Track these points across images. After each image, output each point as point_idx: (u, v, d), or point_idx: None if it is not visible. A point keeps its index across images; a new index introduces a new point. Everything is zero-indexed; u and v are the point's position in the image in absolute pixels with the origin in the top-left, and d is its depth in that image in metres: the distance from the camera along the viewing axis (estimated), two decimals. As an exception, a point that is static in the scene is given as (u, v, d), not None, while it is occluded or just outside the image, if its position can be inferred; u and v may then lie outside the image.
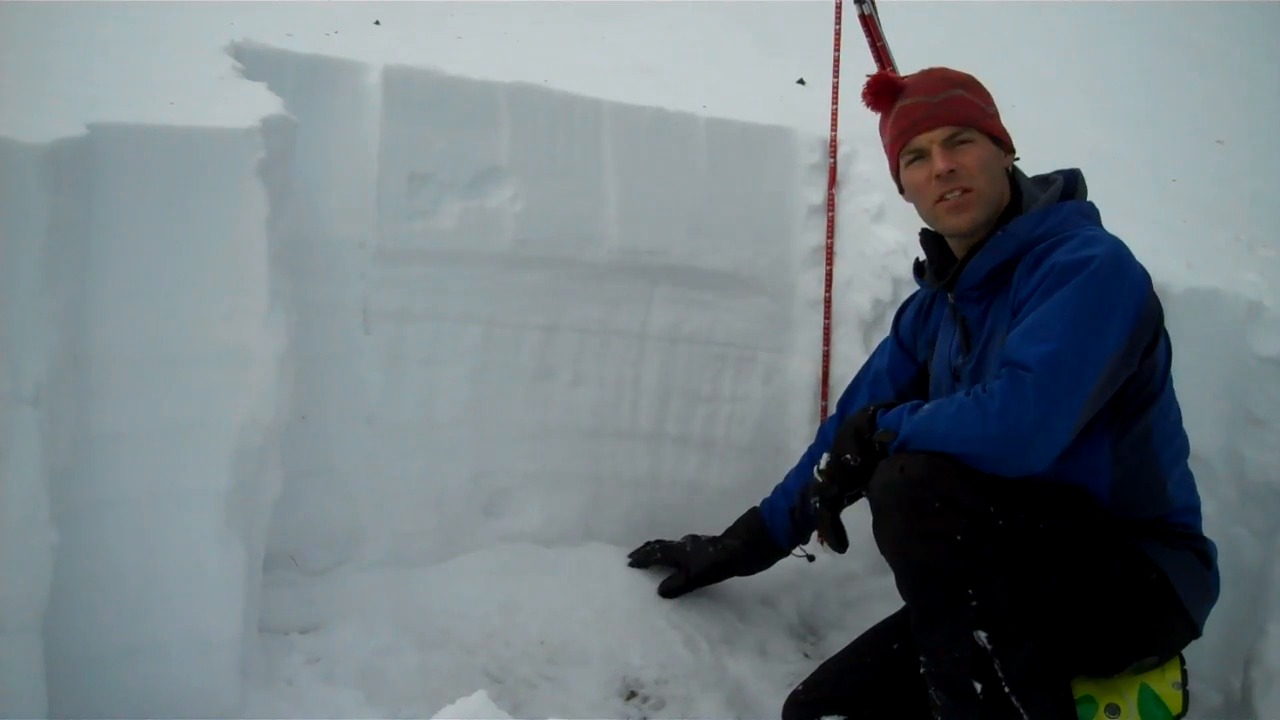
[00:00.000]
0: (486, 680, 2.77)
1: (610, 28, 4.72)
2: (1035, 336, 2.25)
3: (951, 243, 2.59)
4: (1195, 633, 2.45)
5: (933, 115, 2.49)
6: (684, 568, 3.13)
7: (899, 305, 3.09)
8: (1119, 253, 2.32)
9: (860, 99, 2.66)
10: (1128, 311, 2.27)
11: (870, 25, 3.63)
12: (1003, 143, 2.53)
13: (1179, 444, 2.49)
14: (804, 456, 3.08)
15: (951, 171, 2.46)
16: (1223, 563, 2.52)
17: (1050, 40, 5.50)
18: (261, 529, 2.58)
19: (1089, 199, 2.53)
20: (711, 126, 3.49)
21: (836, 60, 3.64)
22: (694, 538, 3.18)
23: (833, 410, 3.17)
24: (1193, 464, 2.53)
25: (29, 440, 2.05)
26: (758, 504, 3.10)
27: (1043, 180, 2.56)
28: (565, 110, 3.29)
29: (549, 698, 2.79)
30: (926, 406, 2.35)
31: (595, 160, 3.31)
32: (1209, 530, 2.54)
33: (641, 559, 3.23)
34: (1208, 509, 2.57)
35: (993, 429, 2.21)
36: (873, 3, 3.63)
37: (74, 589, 2.24)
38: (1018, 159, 2.59)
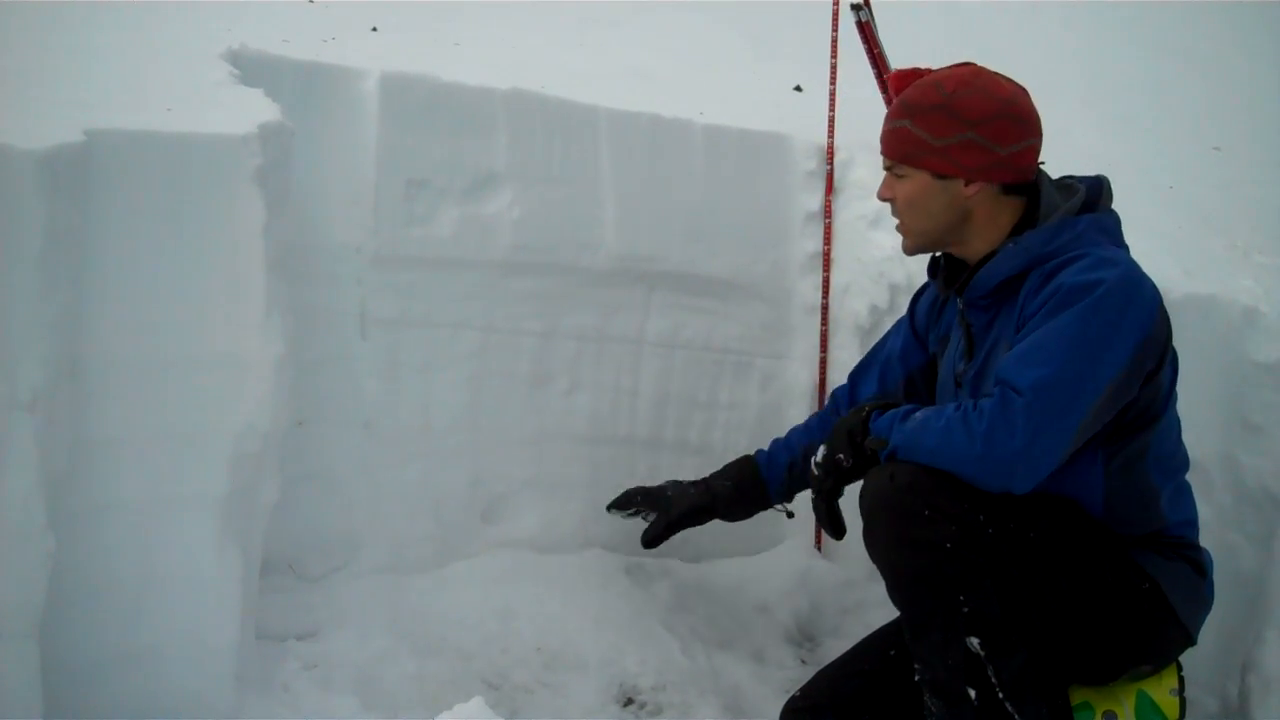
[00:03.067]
0: (483, 687, 2.77)
1: (607, 34, 4.73)
2: (1032, 359, 2.23)
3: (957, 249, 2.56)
4: (1190, 641, 2.44)
5: (882, 141, 2.52)
6: (664, 512, 3.02)
7: (895, 311, 3.09)
8: (1130, 277, 2.28)
9: None
10: (1131, 339, 2.24)
11: (867, 32, 3.64)
12: (952, 176, 2.43)
13: (1176, 462, 2.46)
14: (813, 418, 3.02)
15: (888, 200, 2.53)
16: (1219, 569, 2.51)
17: (1047, 45, 5.51)
18: (258, 535, 2.58)
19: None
20: (708, 133, 3.49)
21: (834, 67, 3.64)
22: (675, 482, 3.09)
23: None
24: (1190, 471, 2.51)
25: (25, 446, 2.05)
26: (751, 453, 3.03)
27: (1066, 188, 2.48)
28: (562, 117, 3.28)
29: (546, 704, 2.79)
30: (918, 415, 2.34)
31: (592, 166, 3.31)
32: (1206, 537, 2.52)
33: (621, 504, 3.10)
34: (1205, 515, 2.56)
35: (977, 450, 2.20)
36: (870, 10, 3.64)
37: (71, 595, 2.24)
38: (1041, 162, 2.50)
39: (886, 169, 2.52)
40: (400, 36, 4.05)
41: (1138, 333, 2.25)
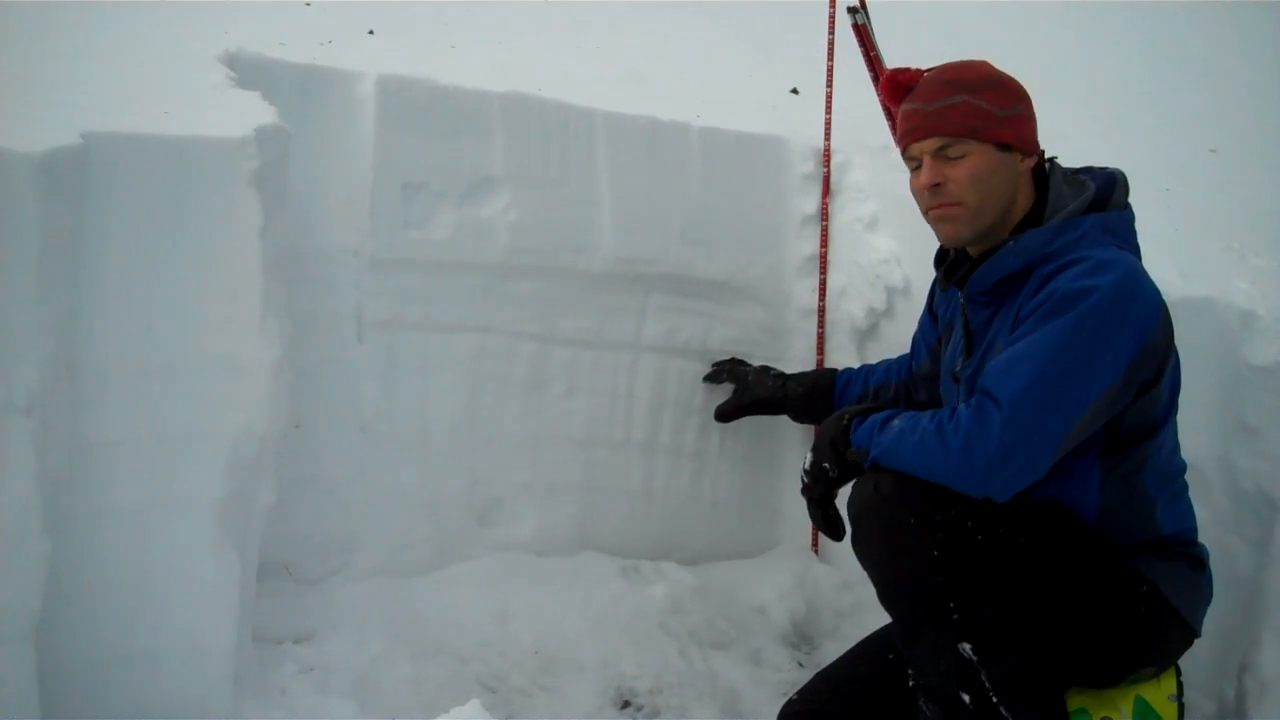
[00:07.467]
0: (480, 690, 2.77)
1: (604, 37, 4.73)
2: (1014, 370, 2.19)
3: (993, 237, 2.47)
4: (1194, 635, 2.42)
5: (924, 125, 2.41)
6: (740, 393, 3.36)
7: (891, 314, 3.10)
8: (1127, 284, 2.23)
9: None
10: (1125, 348, 2.20)
11: (863, 35, 3.64)
12: (1016, 148, 2.40)
13: (1174, 470, 2.44)
14: (893, 361, 3.05)
15: (938, 185, 2.40)
16: (1216, 572, 2.50)
17: (1043, 47, 5.50)
18: (255, 538, 2.58)
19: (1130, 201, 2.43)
20: (705, 136, 3.49)
21: (830, 70, 3.64)
22: (764, 368, 3.36)
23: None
24: (1187, 474, 2.51)
25: (22, 449, 2.05)
26: (838, 368, 3.22)
27: (1078, 183, 2.43)
28: (559, 119, 3.29)
29: (543, 707, 2.79)
30: (895, 425, 2.32)
31: (589, 169, 3.31)
32: (1202, 539, 2.52)
33: (712, 377, 3.46)
34: (1201, 517, 2.55)
35: (953, 464, 2.19)
36: (866, 13, 3.64)
37: (68, 598, 2.24)
38: (1053, 157, 2.48)
39: (935, 152, 2.40)
40: (397, 39, 4.04)
41: (1134, 338, 2.22)
